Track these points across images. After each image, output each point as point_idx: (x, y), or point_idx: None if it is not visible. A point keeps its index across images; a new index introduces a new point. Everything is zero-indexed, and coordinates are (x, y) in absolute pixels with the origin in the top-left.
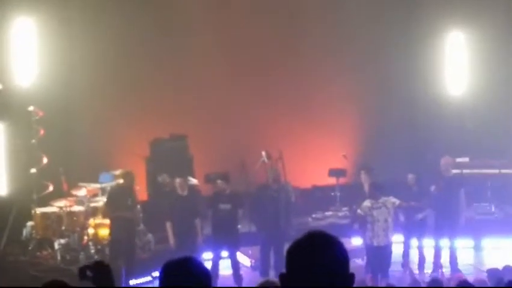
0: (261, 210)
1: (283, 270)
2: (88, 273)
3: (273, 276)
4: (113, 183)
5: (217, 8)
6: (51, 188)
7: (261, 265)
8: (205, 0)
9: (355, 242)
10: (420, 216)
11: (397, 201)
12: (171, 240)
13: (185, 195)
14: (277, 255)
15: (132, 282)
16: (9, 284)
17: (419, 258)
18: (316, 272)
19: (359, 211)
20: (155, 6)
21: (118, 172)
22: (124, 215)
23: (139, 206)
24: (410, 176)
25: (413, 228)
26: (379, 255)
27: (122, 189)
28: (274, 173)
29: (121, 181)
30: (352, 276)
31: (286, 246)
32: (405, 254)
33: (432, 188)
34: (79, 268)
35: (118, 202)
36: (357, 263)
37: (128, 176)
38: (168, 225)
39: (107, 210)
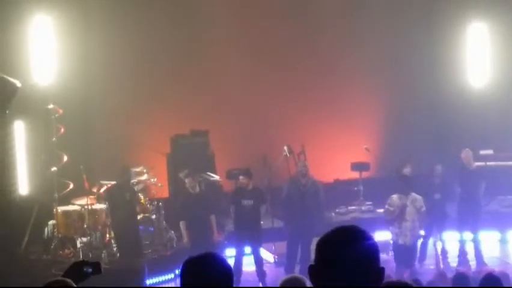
0: (289, 204)
1: (309, 264)
2: (87, 269)
3: (298, 272)
4: (135, 180)
5: (238, 3)
6: (71, 186)
7: (287, 260)
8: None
9: (378, 236)
10: (437, 196)
11: (423, 207)
12: (185, 239)
13: (197, 192)
14: (304, 251)
15: (155, 280)
16: (32, 283)
17: (442, 251)
18: (346, 265)
19: (387, 207)
20: (175, 5)
21: (139, 169)
22: (123, 212)
23: (140, 196)
24: (438, 168)
25: (434, 221)
26: (405, 253)
27: (119, 186)
28: (303, 167)
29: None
30: (382, 270)
31: (313, 242)
32: (424, 247)
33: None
34: (75, 262)
35: (116, 199)
36: (382, 258)
37: (124, 172)
38: (182, 224)
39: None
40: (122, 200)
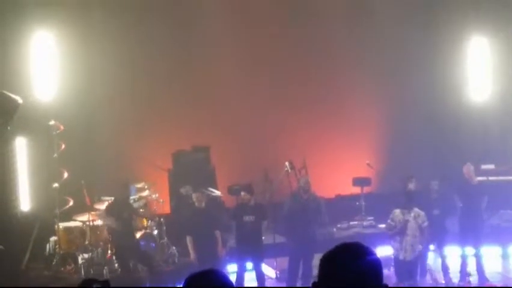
0: (291, 220)
1: (311, 281)
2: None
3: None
4: (137, 196)
5: (237, 17)
6: (71, 203)
7: (289, 275)
8: (224, 11)
9: (380, 252)
10: (436, 212)
11: (426, 222)
12: (192, 254)
13: (203, 207)
14: (305, 266)
15: None
16: None
17: (443, 266)
18: (349, 282)
19: (389, 221)
20: (175, 19)
21: (140, 185)
22: (122, 227)
23: (134, 216)
24: (434, 183)
25: (434, 237)
26: (406, 267)
27: (117, 203)
28: (305, 183)
29: (144, 194)
30: (385, 287)
31: (315, 257)
32: (424, 263)
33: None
34: (84, 280)
35: (113, 216)
36: (384, 273)
37: (122, 189)
38: (188, 239)
39: (106, 224)
40: (119, 217)
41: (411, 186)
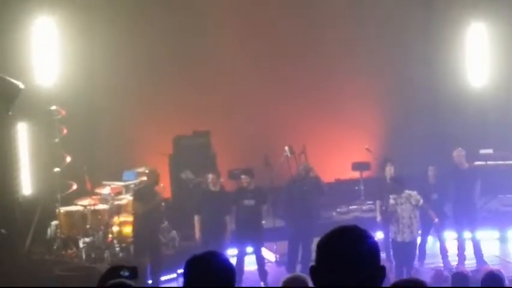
0: (290, 204)
1: (310, 265)
2: (123, 273)
3: (299, 271)
4: (137, 180)
5: (240, 6)
6: (75, 187)
7: (288, 259)
8: (228, 1)
9: (379, 235)
10: (434, 196)
11: (421, 200)
12: (197, 234)
13: (217, 191)
14: (305, 250)
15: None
16: (35, 283)
17: (441, 250)
18: (346, 264)
19: (382, 207)
20: (177, 5)
21: (141, 170)
22: (150, 212)
23: (163, 204)
24: (431, 168)
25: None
26: (404, 250)
27: (148, 187)
28: (306, 167)
29: (145, 178)
30: (383, 269)
31: (314, 241)
32: (423, 247)
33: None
34: (112, 267)
35: (145, 199)
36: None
37: (152, 175)
38: (196, 219)
39: (135, 208)
40: (150, 202)
41: (388, 170)
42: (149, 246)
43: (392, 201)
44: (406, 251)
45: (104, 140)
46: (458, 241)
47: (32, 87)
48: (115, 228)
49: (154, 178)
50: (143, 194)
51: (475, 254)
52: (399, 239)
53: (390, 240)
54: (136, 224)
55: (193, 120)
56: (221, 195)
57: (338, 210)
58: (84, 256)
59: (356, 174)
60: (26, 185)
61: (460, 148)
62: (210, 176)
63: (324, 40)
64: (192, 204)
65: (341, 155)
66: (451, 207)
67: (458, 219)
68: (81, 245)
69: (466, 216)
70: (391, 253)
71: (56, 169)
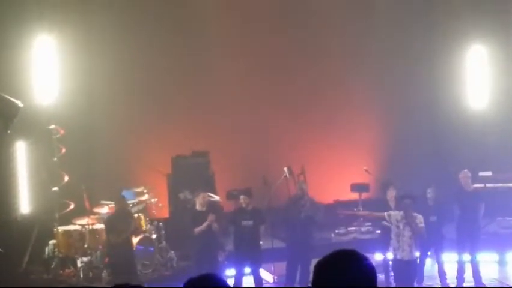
0: (289, 225)
1: (308, 286)
2: None
3: None
4: (136, 200)
5: (238, 23)
6: (72, 206)
7: (287, 280)
8: (224, 15)
9: (378, 257)
10: (433, 218)
11: (422, 224)
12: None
13: (205, 210)
14: (303, 271)
15: None
16: None
17: (439, 272)
18: (343, 287)
19: (384, 222)
20: (177, 23)
21: (139, 189)
22: (125, 241)
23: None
24: (429, 190)
25: (431, 243)
26: (404, 270)
27: (118, 215)
28: (303, 188)
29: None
30: None
31: (313, 263)
32: (421, 268)
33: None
34: (116, 285)
35: (118, 229)
36: (379, 278)
37: (119, 201)
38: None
39: (108, 239)
40: (117, 229)
41: (390, 193)
42: (124, 273)
43: (397, 216)
44: (406, 271)
45: (102, 159)
46: (458, 263)
47: (30, 106)
48: None
49: (121, 204)
50: (116, 224)
51: (473, 276)
52: (398, 256)
53: (390, 262)
54: (109, 256)
55: (192, 140)
56: (207, 215)
57: (337, 231)
58: (82, 275)
59: (355, 196)
60: (24, 203)
61: (465, 170)
62: (200, 196)
63: (324, 60)
64: (186, 227)
65: (340, 176)
66: (449, 229)
67: (461, 240)
68: (79, 264)
69: (470, 238)
70: (390, 274)
71: (55, 188)
